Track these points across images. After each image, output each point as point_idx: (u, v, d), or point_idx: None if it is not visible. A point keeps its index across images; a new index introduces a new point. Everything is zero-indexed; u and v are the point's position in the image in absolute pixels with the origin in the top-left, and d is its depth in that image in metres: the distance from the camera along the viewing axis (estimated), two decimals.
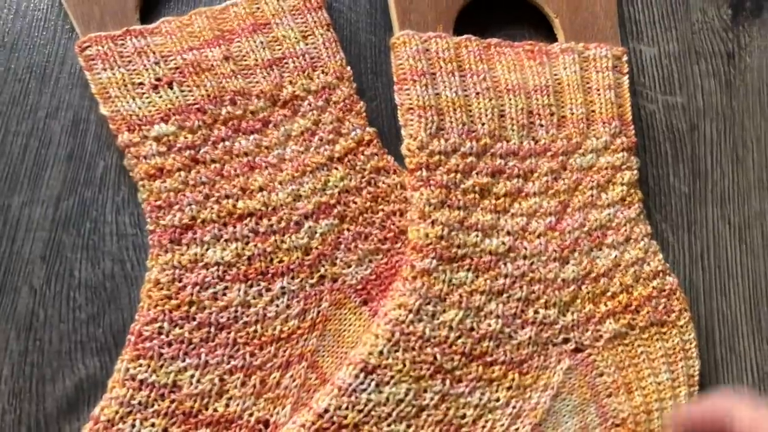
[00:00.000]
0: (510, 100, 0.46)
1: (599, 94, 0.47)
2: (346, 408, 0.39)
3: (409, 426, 0.39)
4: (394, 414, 0.39)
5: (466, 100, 0.45)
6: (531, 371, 0.42)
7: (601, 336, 0.44)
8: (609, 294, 0.44)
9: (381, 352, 0.40)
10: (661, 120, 0.52)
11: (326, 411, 0.39)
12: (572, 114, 0.46)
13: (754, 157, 0.52)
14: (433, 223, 0.43)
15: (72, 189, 0.46)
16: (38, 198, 0.46)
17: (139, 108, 0.44)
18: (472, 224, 0.43)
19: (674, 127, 0.52)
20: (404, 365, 0.40)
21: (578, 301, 0.44)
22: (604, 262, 0.45)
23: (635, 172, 0.47)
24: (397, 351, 0.40)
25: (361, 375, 0.40)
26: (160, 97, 0.44)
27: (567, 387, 0.42)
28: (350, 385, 0.39)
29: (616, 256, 0.45)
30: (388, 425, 0.39)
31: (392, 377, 0.40)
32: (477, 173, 0.44)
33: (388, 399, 0.39)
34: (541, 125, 0.46)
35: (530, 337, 0.43)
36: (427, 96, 0.44)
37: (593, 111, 0.47)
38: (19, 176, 0.46)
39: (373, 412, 0.39)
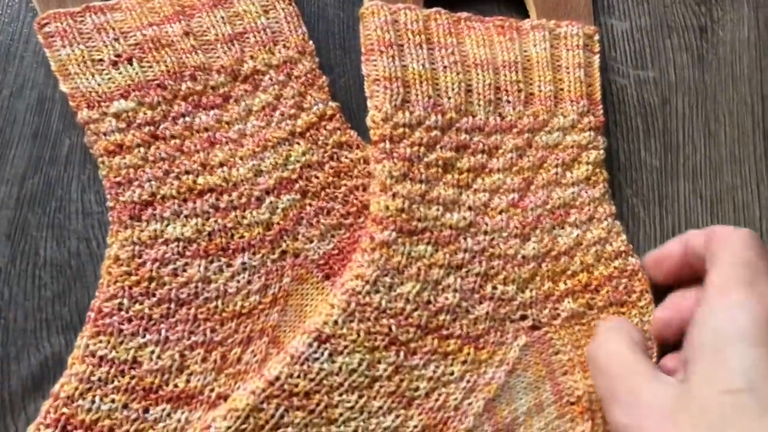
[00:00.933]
0: (478, 75, 0.45)
1: (568, 73, 0.47)
2: (298, 376, 0.39)
3: (361, 396, 0.39)
4: (346, 384, 0.39)
5: (434, 74, 0.44)
6: (487, 346, 0.42)
7: (558, 314, 0.43)
8: (569, 273, 0.44)
9: (336, 322, 0.40)
10: (632, 94, 0.51)
11: (277, 378, 0.39)
12: (540, 91, 0.46)
13: (726, 131, 0.51)
14: (394, 195, 0.42)
15: (37, 167, 0.47)
16: (3, 177, 0.46)
17: (99, 84, 0.44)
18: (434, 198, 0.43)
19: (646, 101, 0.51)
20: (358, 335, 0.40)
21: (537, 278, 0.44)
22: (566, 241, 0.44)
23: (602, 151, 0.46)
24: (352, 321, 0.40)
25: (315, 344, 0.39)
26: (120, 73, 0.44)
27: (522, 363, 0.42)
28: (303, 353, 0.39)
29: (578, 235, 0.44)
30: (340, 395, 0.39)
31: (346, 347, 0.40)
32: (441, 147, 0.44)
33: (340, 369, 0.39)
34: (508, 101, 0.45)
35: (487, 313, 0.42)
36: (394, 67, 0.44)
37: (562, 89, 0.46)
38: None
39: (325, 381, 0.39)
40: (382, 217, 0.42)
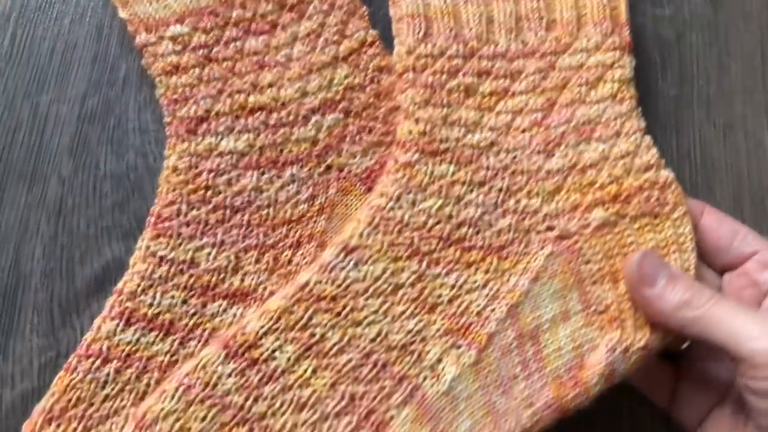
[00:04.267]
0: (499, 5, 0.47)
1: None
2: (325, 282, 0.42)
3: (384, 302, 0.42)
4: (370, 290, 0.42)
5: (455, 8, 0.46)
6: (510, 256, 0.44)
7: (588, 224, 0.45)
8: (597, 185, 0.45)
9: (361, 234, 0.43)
10: (650, 31, 0.54)
11: (306, 284, 0.42)
12: (562, 17, 0.47)
13: (738, 64, 0.54)
14: (416, 120, 0.45)
15: (96, 88, 0.50)
16: (65, 96, 0.50)
17: (156, 11, 0.47)
18: (456, 120, 0.45)
19: (662, 37, 0.54)
20: (382, 246, 0.43)
21: (563, 191, 0.45)
22: (592, 155, 0.46)
23: (628, 70, 0.47)
24: (376, 234, 0.43)
25: (341, 254, 0.42)
26: (176, 0, 0.47)
27: (548, 272, 0.44)
28: (330, 262, 0.42)
29: (604, 150, 0.46)
30: (365, 300, 0.42)
31: (370, 257, 0.43)
32: (463, 74, 0.46)
33: (365, 276, 0.42)
34: (530, 29, 0.47)
35: (510, 225, 0.45)
36: (416, 5, 0.46)
37: (584, 14, 0.47)
38: (47, 76, 0.50)
39: (350, 287, 0.42)
40: (405, 140, 0.45)
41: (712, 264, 0.47)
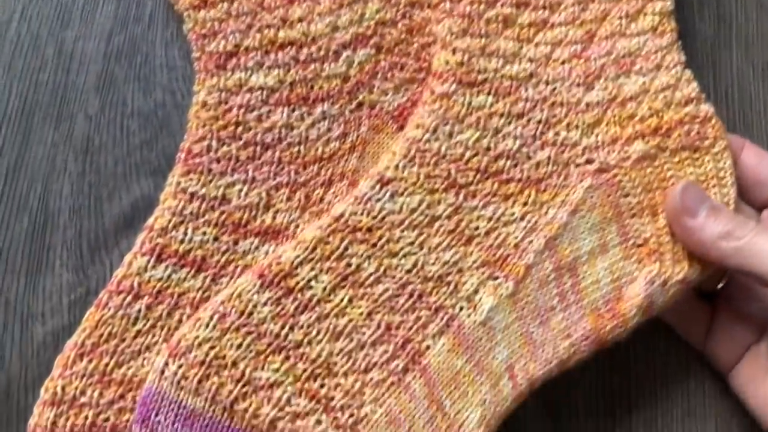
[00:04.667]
0: None
1: None
2: (361, 213, 0.41)
3: (420, 234, 0.42)
4: (406, 222, 0.42)
5: None
6: (549, 189, 0.44)
7: (628, 156, 0.44)
8: (637, 117, 0.45)
9: (397, 166, 0.42)
10: None
11: (342, 215, 0.41)
12: None
13: None
14: (453, 50, 0.44)
15: (123, 26, 0.49)
16: (90, 34, 0.49)
17: None
18: (494, 51, 0.45)
19: None
20: (418, 178, 0.42)
21: (603, 123, 0.45)
22: (632, 88, 0.45)
23: (669, 2, 0.46)
24: (412, 166, 0.42)
25: (377, 186, 0.42)
26: None
27: (587, 204, 0.44)
28: (366, 194, 0.42)
29: (644, 83, 0.45)
30: (401, 231, 0.41)
31: (406, 189, 0.42)
32: (501, 4, 0.45)
33: (401, 208, 0.42)
34: None
35: (549, 157, 0.44)
36: None
37: None
38: (72, 13, 0.49)
39: (386, 219, 0.41)
40: (441, 71, 0.44)
41: (751, 200, 0.46)
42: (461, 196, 0.43)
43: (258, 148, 0.45)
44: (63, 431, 0.40)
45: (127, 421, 0.41)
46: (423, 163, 0.42)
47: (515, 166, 0.43)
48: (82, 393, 0.41)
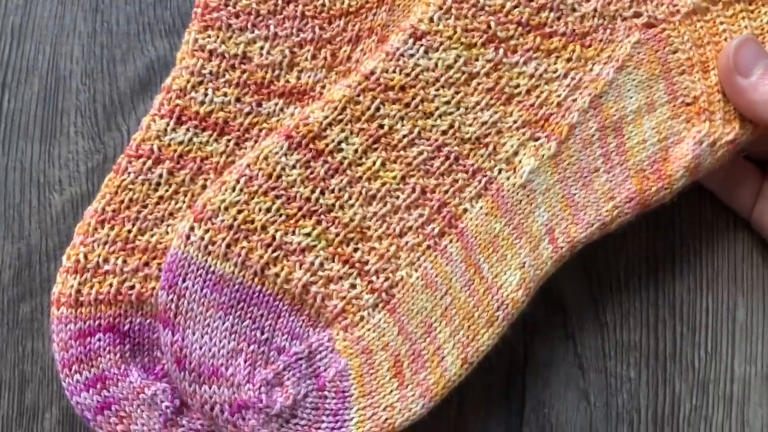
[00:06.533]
0: None
1: None
2: (393, 71, 0.39)
3: (457, 92, 0.39)
4: (442, 80, 0.39)
5: None
6: (594, 44, 0.41)
7: (678, 10, 0.42)
8: None
9: (431, 19, 0.39)
10: None
11: (373, 73, 0.39)
12: None
13: None
14: None
15: None
16: None
17: None
18: None
19: None
20: (455, 32, 0.40)
21: None
22: None
23: None
24: (448, 18, 0.40)
25: (410, 41, 0.39)
26: None
27: (634, 61, 0.41)
28: (398, 49, 0.39)
29: None
30: (436, 90, 0.39)
31: (441, 44, 0.39)
32: None
33: (436, 65, 0.39)
34: None
35: (595, 9, 0.41)
36: None
37: None
38: None
39: (420, 77, 0.39)
40: None
41: None
42: (501, 52, 0.40)
43: (280, 2, 0.42)
44: (87, 299, 0.39)
45: (153, 288, 0.40)
46: (460, 15, 0.40)
47: (559, 18, 0.41)
48: (105, 261, 0.40)
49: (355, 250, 0.38)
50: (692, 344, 0.45)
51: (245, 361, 0.37)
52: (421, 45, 0.39)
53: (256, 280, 0.37)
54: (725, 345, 0.45)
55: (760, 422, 0.44)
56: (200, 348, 0.36)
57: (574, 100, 0.40)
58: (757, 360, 0.44)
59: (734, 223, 0.46)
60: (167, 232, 0.41)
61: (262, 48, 0.42)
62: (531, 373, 0.44)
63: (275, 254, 0.37)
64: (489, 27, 0.40)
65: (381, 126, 0.38)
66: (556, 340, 0.44)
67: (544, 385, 0.44)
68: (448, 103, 0.39)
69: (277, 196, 0.37)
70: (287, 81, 0.42)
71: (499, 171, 0.39)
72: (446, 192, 0.39)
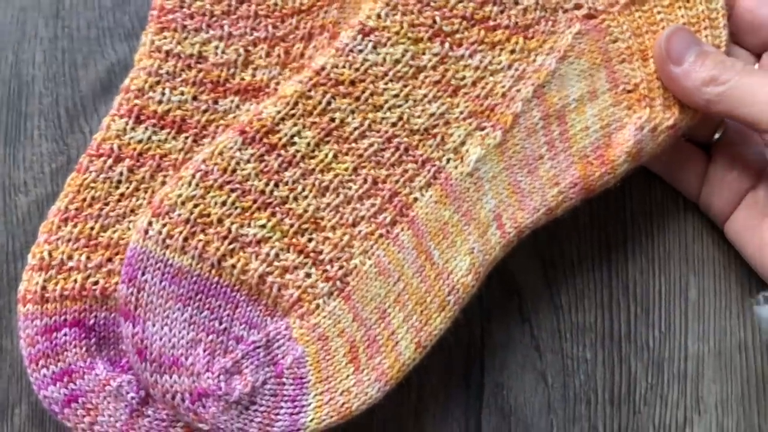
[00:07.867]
0: None
1: None
2: (343, 66, 0.40)
3: (405, 85, 0.41)
4: (390, 73, 0.41)
5: None
6: (537, 35, 0.42)
7: (617, 1, 0.43)
8: None
9: (379, 15, 0.41)
10: None
11: (323, 68, 0.40)
12: None
13: None
14: None
15: None
16: None
17: None
18: None
19: None
20: (402, 27, 0.41)
21: None
22: None
23: None
24: (395, 14, 0.41)
25: (359, 37, 0.40)
26: None
27: (576, 51, 0.43)
28: (347, 45, 0.40)
29: None
30: (385, 84, 0.40)
31: (389, 39, 0.41)
32: None
33: (384, 59, 0.40)
34: None
35: (537, 2, 0.42)
36: None
37: None
38: None
39: (369, 71, 0.40)
40: None
41: (748, 44, 0.45)
42: (447, 45, 0.41)
43: (233, 2, 0.43)
44: (53, 295, 0.40)
45: (117, 283, 0.41)
46: (406, 11, 0.41)
47: (502, 12, 0.42)
48: (69, 257, 0.41)
49: (310, 240, 0.39)
50: (646, 324, 0.46)
51: (204, 351, 0.38)
52: (370, 41, 0.40)
53: (213, 271, 0.38)
54: (678, 324, 0.46)
55: (714, 398, 0.45)
56: (160, 339, 0.37)
57: (518, 91, 0.42)
58: (710, 338, 0.46)
59: (684, 204, 0.47)
60: (129, 229, 0.42)
61: (217, 47, 0.43)
62: (489, 356, 0.45)
63: (231, 246, 0.38)
64: (435, 22, 0.41)
65: (332, 119, 0.40)
66: (512, 323, 0.45)
67: (502, 367, 0.45)
68: (396, 96, 0.40)
69: (233, 190, 0.38)
70: (242, 79, 0.43)
71: (448, 160, 0.40)
72: (397, 182, 0.40)
